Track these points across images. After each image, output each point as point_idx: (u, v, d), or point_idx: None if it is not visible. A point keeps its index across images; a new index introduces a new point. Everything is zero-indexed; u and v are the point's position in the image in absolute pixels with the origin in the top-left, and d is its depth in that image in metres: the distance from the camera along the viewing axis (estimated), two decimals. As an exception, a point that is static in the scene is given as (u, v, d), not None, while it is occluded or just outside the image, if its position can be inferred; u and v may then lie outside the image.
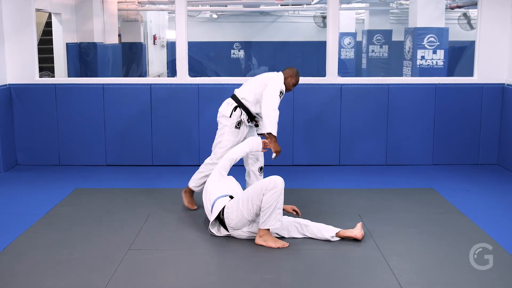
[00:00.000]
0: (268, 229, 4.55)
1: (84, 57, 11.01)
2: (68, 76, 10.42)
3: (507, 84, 7.19)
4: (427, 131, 7.31)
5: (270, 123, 5.06)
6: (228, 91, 7.17)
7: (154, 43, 15.92)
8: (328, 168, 7.00)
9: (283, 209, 4.74)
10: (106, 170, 7.15)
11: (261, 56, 18.09)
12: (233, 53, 18.46)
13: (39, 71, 7.48)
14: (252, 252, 4.52)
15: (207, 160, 5.47)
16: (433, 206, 5.73)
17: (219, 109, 5.45)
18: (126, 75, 13.35)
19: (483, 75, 7.28)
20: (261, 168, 5.47)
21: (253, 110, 5.30)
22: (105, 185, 6.48)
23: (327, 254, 4.51)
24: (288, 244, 4.58)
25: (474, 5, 11.33)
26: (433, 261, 4.37)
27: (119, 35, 13.70)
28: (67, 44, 10.63)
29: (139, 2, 14.21)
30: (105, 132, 7.25)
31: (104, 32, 11.75)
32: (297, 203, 5.25)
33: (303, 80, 7.21)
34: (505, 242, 4.69)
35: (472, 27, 14.36)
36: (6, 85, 7.13)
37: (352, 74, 16.10)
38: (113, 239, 4.78)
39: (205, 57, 17.67)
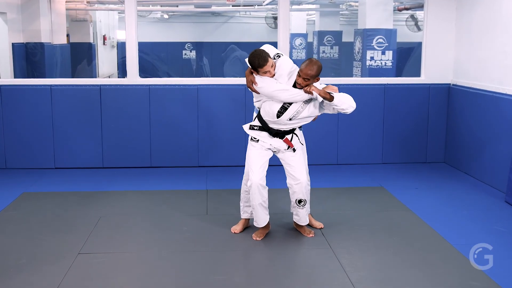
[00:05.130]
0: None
1: (31, 57, 10.73)
2: (14, 77, 10.14)
3: (453, 84, 7.40)
4: (376, 131, 7.44)
5: None
6: (179, 92, 7.17)
7: (104, 44, 15.67)
8: (278, 168, 7.07)
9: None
10: (54, 173, 7.00)
11: (213, 56, 18.03)
12: (185, 54, 18.34)
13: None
14: (205, 253, 4.51)
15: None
16: (383, 204, 5.83)
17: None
18: (75, 76, 13.09)
19: (429, 76, 7.47)
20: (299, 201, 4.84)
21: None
22: (54, 189, 6.35)
23: (279, 253, 4.54)
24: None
25: (421, 7, 11.60)
26: (384, 258, 4.45)
27: (68, 35, 13.43)
28: (13, 44, 10.35)
29: (88, 2, 13.97)
30: (54, 134, 7.09)
31: (52, 32, 11.49)
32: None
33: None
34: (452, 238, 4.82)
35: (419, 29, 14.69)
36: None
37: (304, 75, 16.23)
38: (62, 243, 4.69)
39: (156, 57, 17.48)
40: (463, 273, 4.16)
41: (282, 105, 4.55)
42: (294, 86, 4.57)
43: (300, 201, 4.73)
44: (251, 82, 4.60)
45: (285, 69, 4.65)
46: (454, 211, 5.63)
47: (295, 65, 4.73)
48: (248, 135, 4.80)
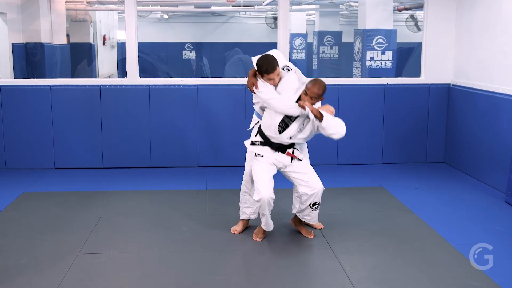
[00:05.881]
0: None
1: (31, 57, 10.73)
2: (14, 77, 10.14)
3: (453, 84, 7.40)
4: (376, 131, 7.44)
5: None
6: (179, 92, 7.17)
7: (104, 44, 15.67)
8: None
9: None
10: (54, 173, 7.00)
11: (213, 57, 18.03)
12: (185, 54, 18.34)
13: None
14: (205, 254, 4.51)
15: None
16: (382, 204, 5.83)
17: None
18: (75, 76, 13.08)
19: (429, 76, 7.47)
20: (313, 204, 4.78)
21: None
22: (54, 189, 6.34)
23: (279, 254, 4.54)
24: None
25: (421, 7, 11.60)
26: (383, 258, 4.45)
27: (68, 35, 13.43)
28: (12, 44, 10.35)
29: (87, 2, 13.97)
30: (53, 134, 7.09)
31: (52, 32, 11.50)
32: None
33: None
34: (452, 238, 4.82)
35: (419, 29, 14.68)
36: None
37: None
38: (62, 243, 4.68)
39: (156, 58, 17.48)
40: (463, 273, 4.16)
41: (283, 120, 4.56)
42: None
43: (314, 204, 4.72)
44: (252, 84, 4.61)
45: (292, 83, 4.65)
46: (454, 211, 5.63)
47: (302, 80, 4.75)
48: (249, 136, 4.82)
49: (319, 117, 4.43)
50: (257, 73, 4.64)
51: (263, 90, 4.58)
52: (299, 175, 4.68)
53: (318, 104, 4.60)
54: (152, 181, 6.65)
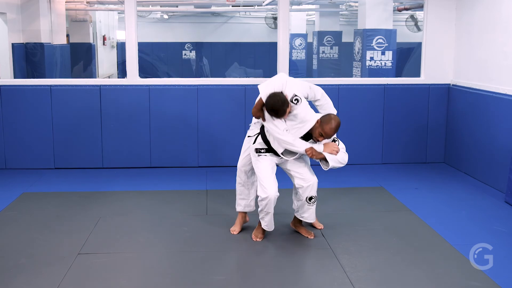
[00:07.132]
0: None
1: (31, 57, 10.72)
2: (14, 77, 10.14)
3: (452, 84, 7.40)
4: (376, 131, 7.44)
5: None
6: (179, 92, 7.17)
7: (103, 44, 15.66)
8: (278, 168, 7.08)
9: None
10: (54, 173, 7.00)
11: (213, 57, 18.02)
12: (185, 54, 18.32)
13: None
14: (204, 254, 4.51)
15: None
16: (382, 204, 5.83)
17: None
18: (74, 76, 13.08)
19: (429, 76, 7.47)
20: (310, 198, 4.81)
21: None
22: (54, 189, 6.34)
23: (279, 254, 4.54)
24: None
25: (421, 7, 11.59)
26: (383, 258, 4.45)
27: (67, 36, 13.42)
28: (12, 44, 10.34)
29: (87, 2, 13.95)
30: (53, 134, 7.09)
31: (52, 32, 11.49)
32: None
33: (252, 81, 7.25)
34: (452, 238, 4.82)
35: (419, 29, 14.68)
36: None
37: (303, 75, 16.21)
38: (62, 243, 4.69)
39: (156, 58, 17.47)
40: (463, 273, 4.16)
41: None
42: (305, 134, 4.61)
43: (311, 198, 4.74)
44: (259, 116, 4.60)
45: (301, 117, 4.58)
46: (454, 211, 5.63)
47: (317, 96, 4.75)
48: (247, 135, 4.87)
49: (325, 162, 4.64)
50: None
51: (271, 126, 4.56)
52: (294, 167, 4.74)
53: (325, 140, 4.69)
54: (152, 181, 6.65)
